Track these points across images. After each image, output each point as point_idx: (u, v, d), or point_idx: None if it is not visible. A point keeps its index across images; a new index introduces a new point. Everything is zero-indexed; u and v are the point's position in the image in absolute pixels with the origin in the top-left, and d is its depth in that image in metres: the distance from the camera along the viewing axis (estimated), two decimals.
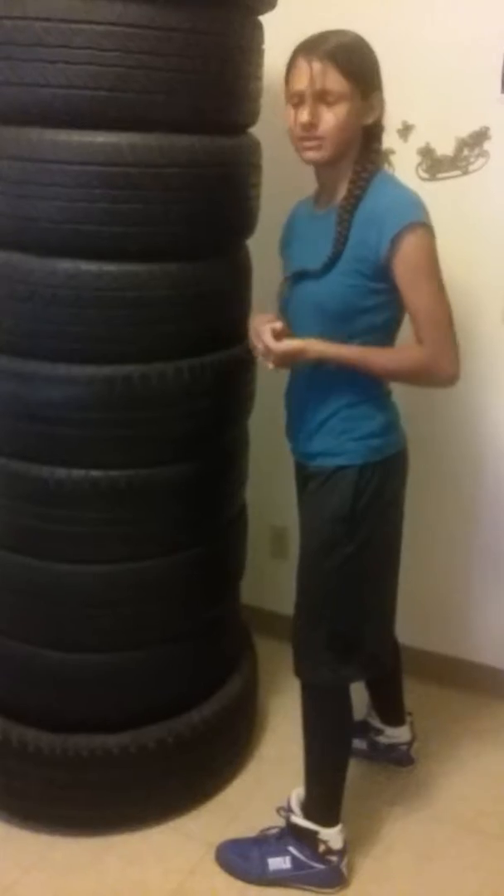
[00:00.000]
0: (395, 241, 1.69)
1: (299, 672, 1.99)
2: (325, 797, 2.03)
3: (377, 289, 1.75)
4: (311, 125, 1.71)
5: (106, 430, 1.92)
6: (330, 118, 1.71)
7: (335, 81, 1.68)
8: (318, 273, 1.78)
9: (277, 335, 1.78)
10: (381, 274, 1.73)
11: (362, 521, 1.86)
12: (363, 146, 1.77)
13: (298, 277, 1.84)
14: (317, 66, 1.67)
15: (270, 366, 1.81)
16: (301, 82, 1.70)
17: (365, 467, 1.85)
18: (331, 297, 1.79)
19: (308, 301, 1.82)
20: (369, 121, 1.75)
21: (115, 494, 1.95)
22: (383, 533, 1.92)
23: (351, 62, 1.69)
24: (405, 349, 1.81)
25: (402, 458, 1.94)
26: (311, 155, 1.76)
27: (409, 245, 1.69)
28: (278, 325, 1.80)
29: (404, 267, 1.71)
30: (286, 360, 1.80)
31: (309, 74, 1.68)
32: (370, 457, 1.86)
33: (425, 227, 1.71)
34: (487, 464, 2.55)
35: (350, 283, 1.76)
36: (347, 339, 1.79)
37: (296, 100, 1.73)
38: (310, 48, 1.70)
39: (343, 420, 1.86)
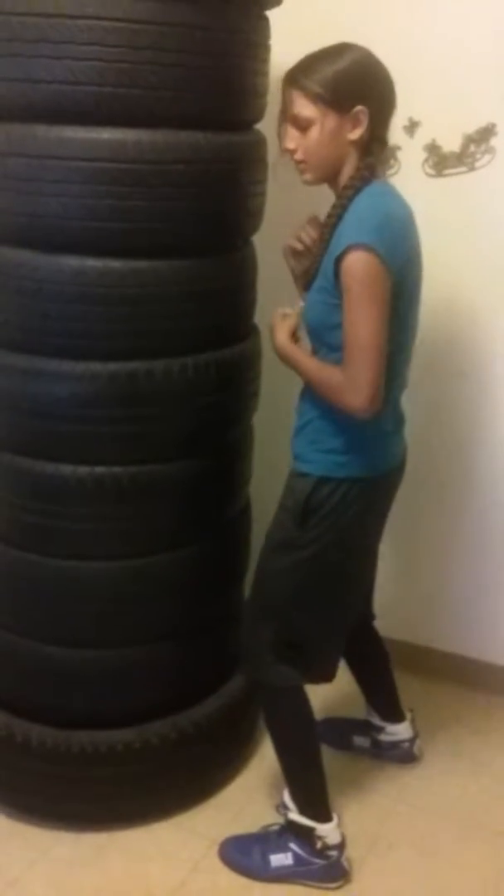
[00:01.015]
0: (338, 260, 1.68)
1: (244, 669, 1.99)
2: (305, 795, 2.03)
3: (341, 305, 1.72)
4: (290, 150, 1.77)
5: (111, 426, 1.92)
6: (304, 143, 1.75)
7: (302, 106, 1.72)
8: (305, 289, 1.83)
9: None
10: (340, 291, 1.71)
11: (316, 530, 1.85)
12: (360, 159, 1.76)
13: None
14: (287, 93, 1.74)
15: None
16: (281, 109, 1.76)
17: (323, 480, 1.84)
18: (309, 312, 1.82)
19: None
20: (354, 136, 1.73)
21: (120, 491, 1.95)
22: (344, 549, 1.90)
23: (320, 85, 1.68)
24: (329, 368, 1.77)
25: (381, 483, 1.90)
26: (303, 177, 1.81)
27: (346, 266, 1.67)
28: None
29: (342, 288, 1.69)
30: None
31: (283, 101, 1.74)
32: (331, 471, 1.84)
33: (366, 250, 1.64)
34: (492, 463, 2.55)
35: (321, 300, 1.77)
36: (327, 353, 1.80)
37: (281, 124, 1.78)
38: (286, 76, 1.74)
39: (313, 430, 1.86)
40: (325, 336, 1.79)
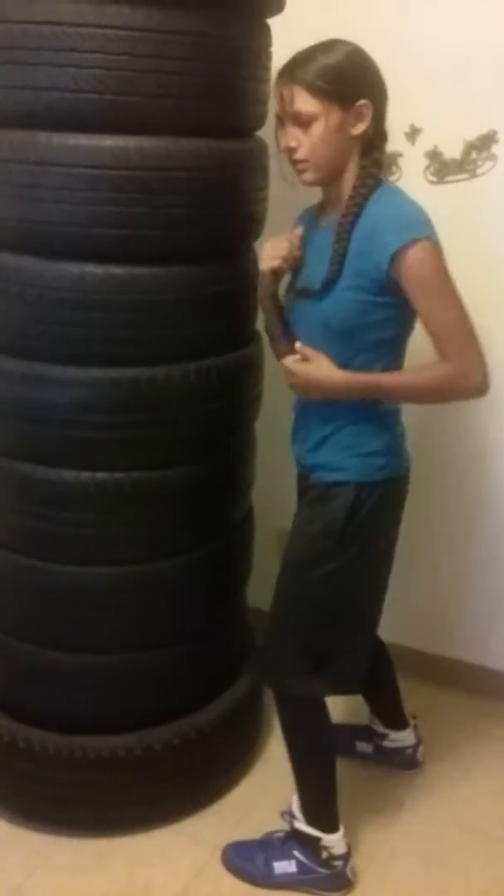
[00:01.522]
0: (396, 259, 1.65)
1: (265, 680, 1.97)
2: (316, 804, 2.02)
3: (382, 303, 1.71)
4: (292, 149, 1.74)
5: (113, 432, 1.92)
6: (306, 140, 1.71)
7: (304, 102, 1.68)
8: (319, 292, 1.77)
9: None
10: (385, 288, 1.70)
11: (352, 539, 1.83)
12: (362, 156, 1.74)
13: (302, 294, 1.83)
14: (286, 90, 1.70)
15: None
16: (278, 107, 1.73)
17: (364, 485, 1.82)
18: (335, 313, 1.76)
19: (312, 318, 1.80)
20: (357, 131, 1.71)
21: (122, 497, 1.95)
22: (371, 556, 1.89)
23: (321, 78, 1.66)
24: (428, 368, 1.74)
25: (402, 483, 1.91)
26: (303, 178, 1.77)
27: (414, 263, 1.65)
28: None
29: (413, 286, 1.67)
30: (300, 379, 1.77)
31: (281, 99, 1.71)
32: (371, 475, 1.83)
33: (428, 241, 1.67)
34: (495, 469, 2.55)
35: (353, 299, 1.73)
36: (354, 354, 1.77)
37: (279, 124, 1.75)
38: (282, 72, 1.71)
39: (347, 436, 1.83)
40: (360, 335, 1.75)
